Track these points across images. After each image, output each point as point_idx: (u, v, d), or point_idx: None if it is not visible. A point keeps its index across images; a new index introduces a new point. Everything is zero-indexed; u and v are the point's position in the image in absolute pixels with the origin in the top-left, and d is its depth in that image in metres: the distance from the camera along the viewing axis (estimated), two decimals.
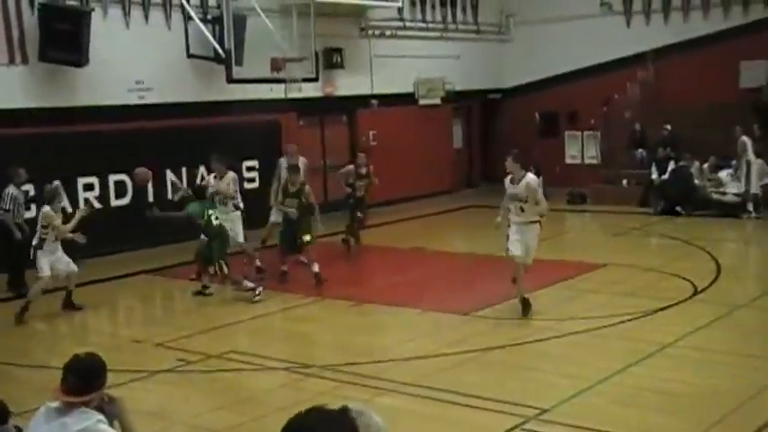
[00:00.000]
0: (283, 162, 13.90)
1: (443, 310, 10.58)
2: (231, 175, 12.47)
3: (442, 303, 10.90)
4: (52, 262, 10.87)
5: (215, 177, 12.45)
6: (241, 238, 12.50)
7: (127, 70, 14.99)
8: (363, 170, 14.58)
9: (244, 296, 11.82)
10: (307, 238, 11.95)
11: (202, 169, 15.49)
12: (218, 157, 12.54)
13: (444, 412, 7.23)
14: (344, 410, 2.57)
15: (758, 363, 8.11)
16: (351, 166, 14.77)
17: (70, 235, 10.96)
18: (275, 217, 13.17)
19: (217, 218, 11.48)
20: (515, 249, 9.89)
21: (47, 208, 10.88)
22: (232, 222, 12.25)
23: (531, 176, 9.94)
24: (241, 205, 12.64)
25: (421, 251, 14.58)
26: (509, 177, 10.02)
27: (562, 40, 21.58)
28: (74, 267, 11.14)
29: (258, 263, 12.76)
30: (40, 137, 13.85)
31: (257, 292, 11.31)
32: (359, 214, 14.55)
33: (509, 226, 10.02)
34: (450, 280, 12.62)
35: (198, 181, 14.67)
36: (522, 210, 9.90)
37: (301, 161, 13.70)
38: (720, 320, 9.66)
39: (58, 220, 10.88)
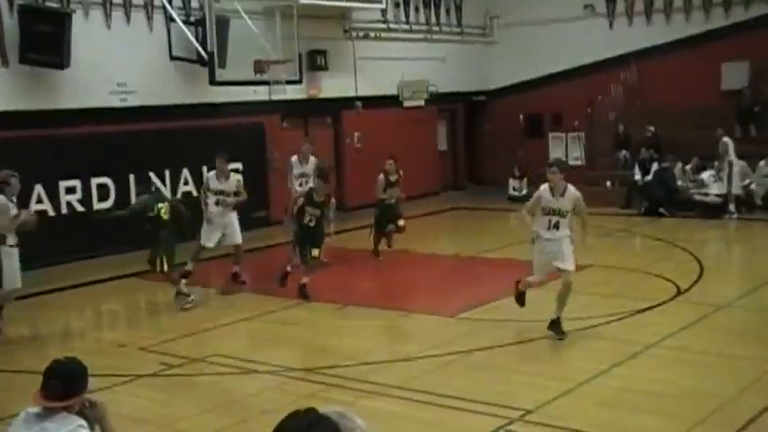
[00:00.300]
0: (294, 161, 13.73)
1: (428, 312, 10.58)
2: (237, 176, 12.35)
3: (427, 305, 10.91)
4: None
5: (217, 177, 12.15)
6: (239, 239, 12.33)
7: (109, 72, 14.91)
8: (393, 177, 14.10)
9: (228, 299, 11.79)
10: (315, 252, 11.40)
11: (205, 170, 15.17)
12: (224, 158, 12.29)
13: (429, 414, 7.22)
14: (327, 414, 2.56)
15: (741, 363, 8.15)
16: (381, 176, 14.12)
17: None
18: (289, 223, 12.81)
19: (166, 212, 11.21)
20: (537, 274, 9.34)
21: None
22: (230, 222, 12.16)
23: (574, 189, 9.14)
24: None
25: (406, 253, 14.56)
26: (546, 188, 9.06)
27: (546, 42, 21.65)
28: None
29: (236, 268, 12.48)
30: (21, 140, 13.74)
31: (189, 300, 11.15)
32: (391, 226, 13.93)
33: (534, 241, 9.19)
34: (435, 282, 12.62)
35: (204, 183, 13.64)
36: (558, 226, 9.05)
37: (312, 162, 13.59)
38: (704, 321, 9.71)
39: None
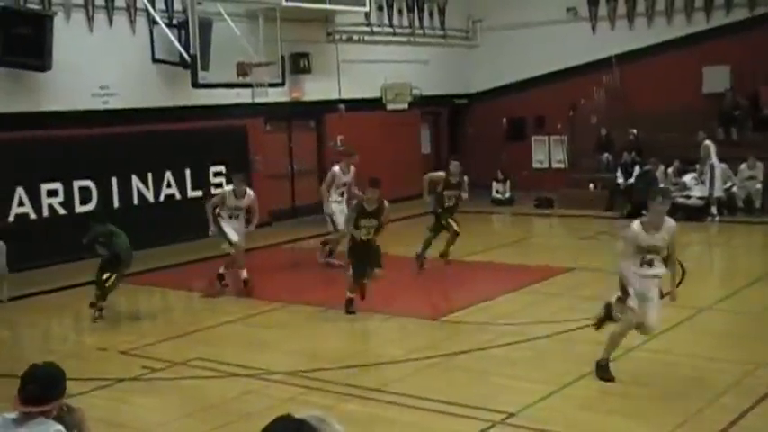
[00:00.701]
0: (338, 171, 13.49)
1: (410, 315, 10.57)
2: (251, 192, 12.31)
3: (409, 308, 10.90)
4: None
5: (236, 195, 12.08)
6: (242, 240, 12.20)
7: (91, 75, 14.84)
8: (455, 179, 13.36)
9: (210, 302, 11.76)
10: (378, 273, 10.52)
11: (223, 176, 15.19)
12: (240, 177, 12.38)
13: (411, 418, 7.22)
14: (306, 421, 2.55)
15: (722, 365, 8.18)
16: (441, 173, 13.68)
17: None
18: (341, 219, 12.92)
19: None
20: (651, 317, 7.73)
21: None
22: (238, 225, 12.20)
23: (671, 220, 7.81)
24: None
25: (387, 256, 14.54)
26: (639, 225, 7.63)
27: (529, 45, 21.72)
28: None
29: (222, 270, 12.39)
30: (1, 142, 13.66)
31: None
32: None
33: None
34: (416, 285, 12.63)
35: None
36: (652, 264, 7.64)
37: (353, 172, 13.53)
38: (685, 323, 9.74)
39: None
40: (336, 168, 13.76)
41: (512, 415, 7.06)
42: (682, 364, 8.35)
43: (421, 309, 10.84)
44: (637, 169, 18.77)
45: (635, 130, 19.55)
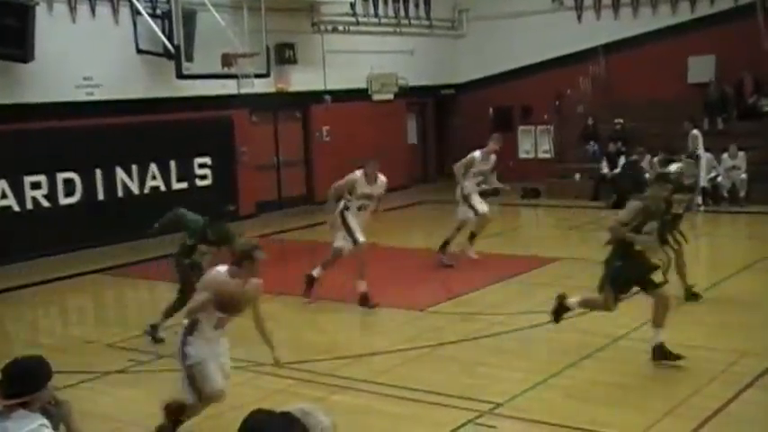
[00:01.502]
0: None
1: (398, 306, 10.57)
2: (384, 178, 11.05)
3: (397, 299, 10.89)
4: None
5: (367, 181, 10.79)
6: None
7: (74, 66, 14.73)
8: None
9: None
10: (660, 278, 8.45)
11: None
12: (374, 162, 10.96)
13: (399, 408, 7.22)
14: (291, 413, 2.56)
15: (708, 354, 8.22)
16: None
17: None
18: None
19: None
20: None
21: None
22: (363, 220, 11.02)
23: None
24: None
25: (375, 247, 14.53)
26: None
27: (515, 35, 21.73)
28: None
29: (317, 273, 11.01)
30: None
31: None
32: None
33: None
34: (404, 276, 12.61)
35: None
36: None
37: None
38: (671, 312, 9.78)
39: None
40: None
41: (499, 405, 7.07)
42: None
43: (408, 300, 10.83)
44: (622, 159, 18.83)
45: (621, 120, 19.60)
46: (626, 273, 8.04)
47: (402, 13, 21.87)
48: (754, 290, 10.86)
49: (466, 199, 12.73)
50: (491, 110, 22.79)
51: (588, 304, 8.49)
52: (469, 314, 9.96)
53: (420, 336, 9.17)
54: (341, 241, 10.85)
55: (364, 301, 10.52)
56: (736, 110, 19.13)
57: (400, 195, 20.73)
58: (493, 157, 13.02)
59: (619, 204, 17.97)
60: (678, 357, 7.84)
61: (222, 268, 6.48)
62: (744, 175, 17.75)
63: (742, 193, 17.68)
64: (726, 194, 17.83)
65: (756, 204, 17.09)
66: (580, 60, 21.10)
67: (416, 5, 22.34)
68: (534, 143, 22.17)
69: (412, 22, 22.13)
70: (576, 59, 21.16)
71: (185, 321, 6.57)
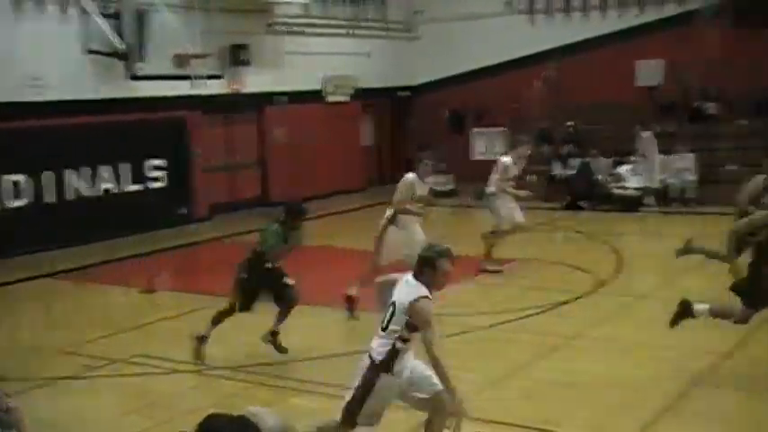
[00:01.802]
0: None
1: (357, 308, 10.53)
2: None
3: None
4: None
5: (423, 180, 10.18)
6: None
7: (22, 66, 14.44)
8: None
9: (149, 298, 11.59)
10: None
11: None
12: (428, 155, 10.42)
13: (322, 405, 7.19)
14: (246, 416, 2.56)
15: (659, 352, 8.35)
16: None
17: None
18: None
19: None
20: None
21: None
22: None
23: None
24: None
25: (330, 249, 14.53)
26: None
27: (469, 37, 21.89)
28: None
29: (354, 292, 10.11)
30: None
31: None
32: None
33: None
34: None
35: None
36: None
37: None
38: (624, 311, 9.95)
39: None
40: (507, 159, 12.12)
41: None
42: (620, 352, 8.51)
43: (365, 301, 10.80)
44: (575, 161, 19.06)
45: (573, 123, 19.85)
46: None
47: (357, 15, 21.85)
48: (702, 288, 11.05)
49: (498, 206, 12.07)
50: (447, 112, 22.90)
51: (720, 314, 7.72)
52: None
53: (342, 337, 9.12)
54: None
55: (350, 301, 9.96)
56: (684, 112, 19.48)
57: (355, 197, 20.73)
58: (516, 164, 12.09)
59: (572, 206, 18.28)
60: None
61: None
62: (693, 177, 18.09)
63: (691, 194, 18.01)
64: (676, 195, 18.14)
65: (705, 205, 17.43)
66: (534, 63, 21.31)
67: (372, 8, 22.35)
68: (489, 145, 22.28)
69: (367, 24, 22.13)
70: (529, 62, 21.39)
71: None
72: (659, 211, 17.48)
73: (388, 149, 23.83)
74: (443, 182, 21.34)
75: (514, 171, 12.33)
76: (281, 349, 8.62)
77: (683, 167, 18.17)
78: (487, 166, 21.44)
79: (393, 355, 5.36)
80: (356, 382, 5.46)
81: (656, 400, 7.07)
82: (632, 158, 18.23)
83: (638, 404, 7.02)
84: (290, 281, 8.56)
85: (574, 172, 18.97)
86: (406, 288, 5.34)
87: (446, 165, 21.42)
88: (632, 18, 20.60)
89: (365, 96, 21.93)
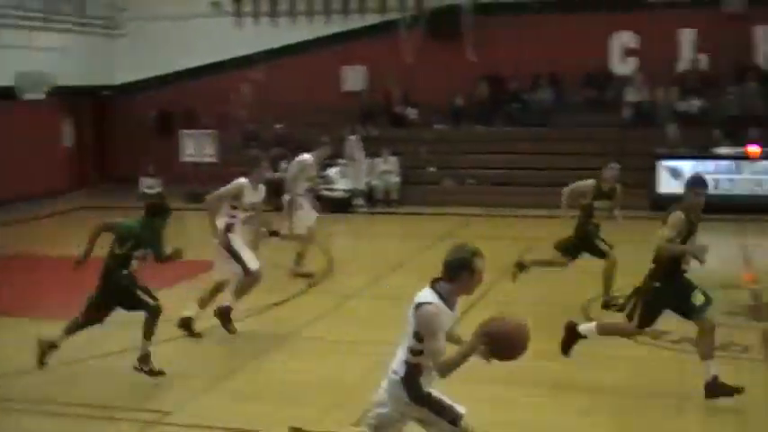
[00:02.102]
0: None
1: (57, 317, 9.86)
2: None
3: (56, 310, 10.17)
4: None
5: (253, 187, 9.40)
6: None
7: None
8: (607, 186, 9.96)
9: None
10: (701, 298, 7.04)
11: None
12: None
13: (63, 427, 6.77)
14: None
15: (367, 348, 8.63)
16: (591, 181, 9.95)
17: None
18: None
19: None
20: None
21: None
22: (251, 237, 9.74)
23: None
24: None
25: (29, 257, 13.52)
26: None
27: (176, 37, 21.51)
28: None
29: (230, 303, 9.24)
30: None
31: None
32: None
33: None
34: (63, 285, 11.82)
35: None
36: None
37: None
38: (335, 310, 10.23)
39: None
40: (309, 158, 11.76)
41: (168, 413, 6.92)
42: (333, 350, 8.76)
43: (70, 310, 10.17)
44: (284, 164, 19.29)
45: (281, 125, 20.16)
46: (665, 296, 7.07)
47: (52, 8, 20.49)
48: (406, 285, 11.66)
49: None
50: (154, 113, 22.28)
51: (610, 331, 7.54)
52: (131, 323, 9.55)
53: (83, 347, 8.58)
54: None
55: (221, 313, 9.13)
56: (387, 117, 20.51)
57: (57, 201, 19.52)
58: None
59: (280, 207, 18.44)
60: (736, 391, 6.89)
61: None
62: (396, 179, 19.09)
63: (395, 195, 18.99)
64: (380, 197, 19.02)
65: (408, 205, 18.48)
66: (242, 65, 21.39)
67: (69, 1, 21.10)
68: (198, 147, 21.94)
69: (63, 18, 20.85)
70: (237, 64, 21.44)
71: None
72: (368, 211, 18.24)
73: (93, 150, 22.71)
74: (152, 185, 20.73)
75: (312, 171, 12.16)
76: None
77: (387, 170, 19.11)
78: (198, 169, 21.35)
79: (410, 369, 4.97)
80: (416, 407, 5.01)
81: (368, 393, 7.29)
82: (340, 161, 18.84)
83: (351, 399, 7.18)
84: None
85: (284, 174, 19.19)
86: (420, 295, 4.87)
87: (153, 167, 20.87)
88: (338, 24, 21.34)
89: (65, 94, 20.68)
